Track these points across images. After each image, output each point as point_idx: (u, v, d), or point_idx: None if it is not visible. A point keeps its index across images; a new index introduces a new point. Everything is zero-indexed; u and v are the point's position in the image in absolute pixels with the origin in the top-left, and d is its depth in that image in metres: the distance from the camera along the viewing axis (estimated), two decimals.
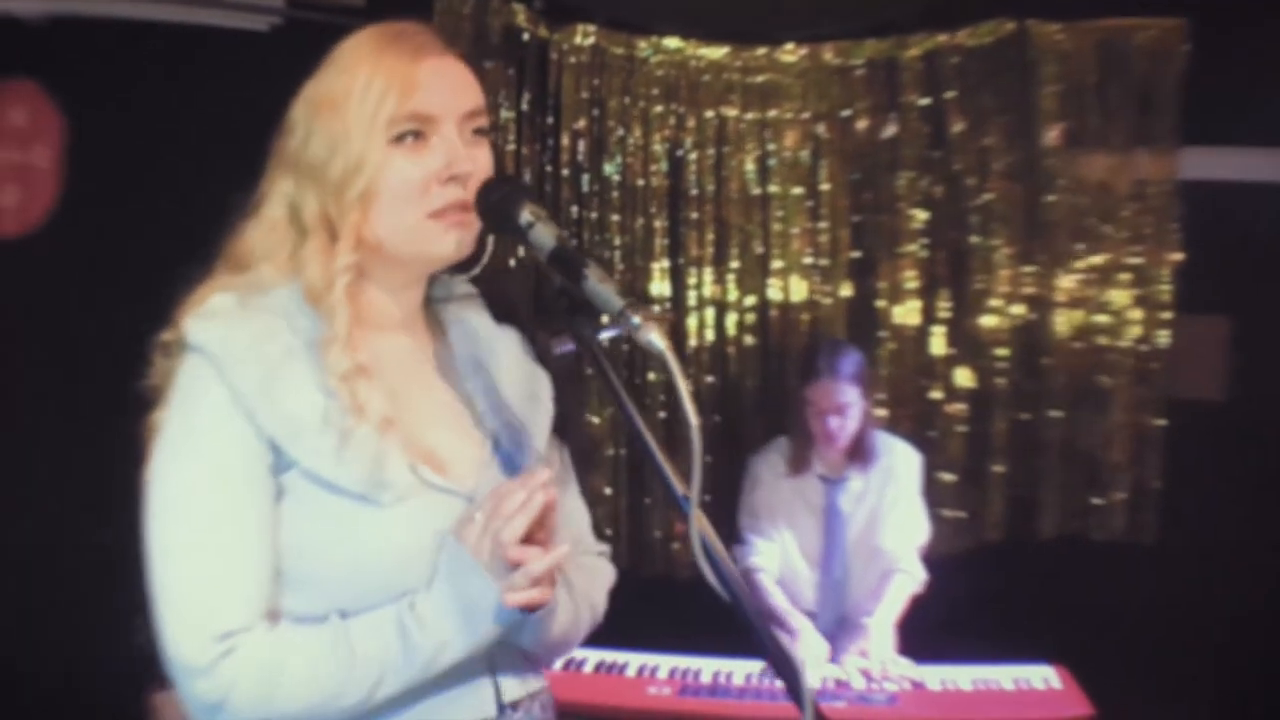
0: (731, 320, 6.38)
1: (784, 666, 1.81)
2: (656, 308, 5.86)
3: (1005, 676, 4.51)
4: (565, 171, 6.33)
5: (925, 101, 6.13)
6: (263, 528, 1.91)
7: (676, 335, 6.30)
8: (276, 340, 1.93)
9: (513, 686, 2.05)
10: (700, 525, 1.78)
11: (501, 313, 2.24)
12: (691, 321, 6.35)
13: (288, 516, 1.92)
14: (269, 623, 1.91)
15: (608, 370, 1.89)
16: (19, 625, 5.14)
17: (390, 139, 1.95)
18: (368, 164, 1.94)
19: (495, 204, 1.98)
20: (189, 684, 1.88)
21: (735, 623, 1.81)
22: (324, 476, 1.90)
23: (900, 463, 5.07)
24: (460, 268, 2.13)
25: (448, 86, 2.00)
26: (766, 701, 4.33)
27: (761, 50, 6.22)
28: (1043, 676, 4.51)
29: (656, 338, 1.79)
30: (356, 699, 1.90)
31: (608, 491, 6.39)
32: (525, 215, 1.94)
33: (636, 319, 1.80)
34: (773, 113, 6.26)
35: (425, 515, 1.95)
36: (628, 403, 1.89)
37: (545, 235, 1.93)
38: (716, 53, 6.24)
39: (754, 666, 4.59)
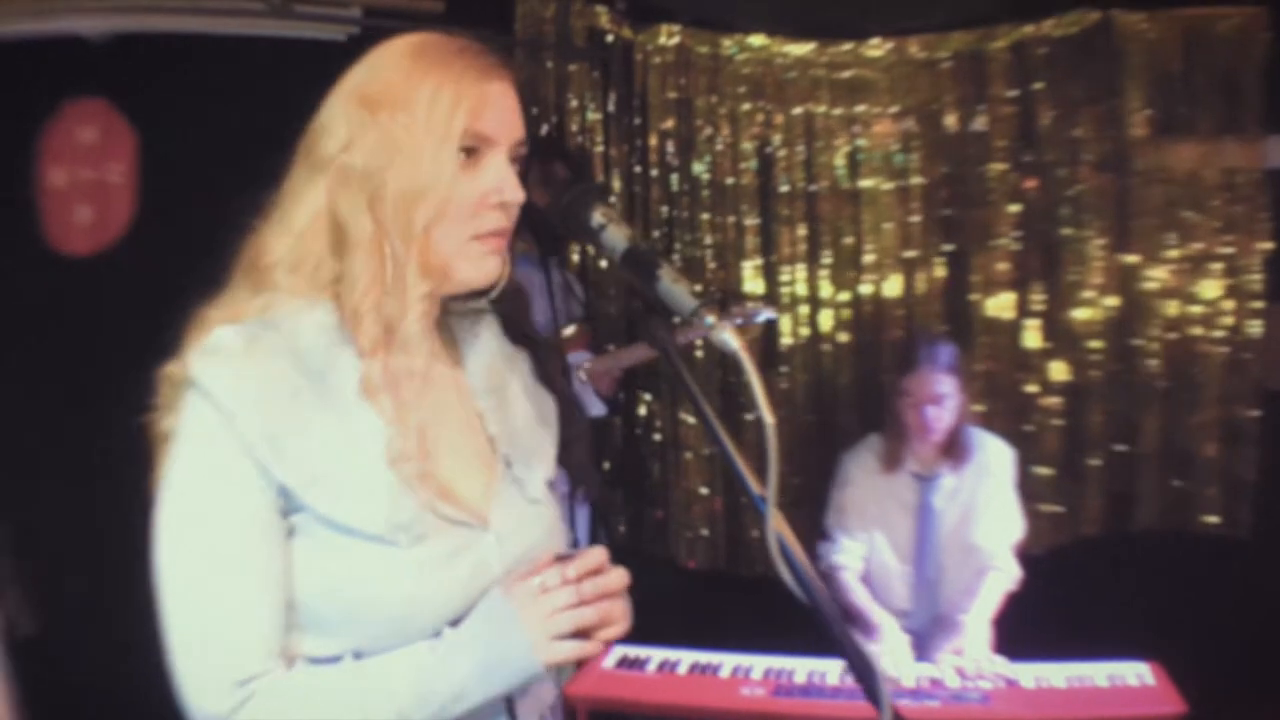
0: (825, 317, 6.39)
1: (860, 667, 1.83)
2: (750, 304, 5.84)
3: (1099, 674, 4.47)
4: (654, 172, 6.38)
5: (1013, 93, 6.11)
6: (275, 569, 1.83)
7: (770, 332, 6.35)
8: (284, 383, 1.84)
9: (528, 712, 1.99)
10: (777, 525, 1.79)
11: (512, 332, 2.18)
12: (785, 319, 6.35)
13: (301, 558, 1.86)
14: (284, 664, 1.85)
15: (683, 372, 1.90)
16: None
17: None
18: (440, 182, 1.87)
19: (566, 206, 1.97)
20: None
21: (813, 623, 1.81)
22: (338, 521, 1.83)
23: (994, 459, 5.04)
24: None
25: (509, 111, 1.95)
26: (861, 701, 4.31)
27: (847, 46, 6.23)
28: (1136, 673, 4.46)
29: (730, 337, 1.81)
30: None
31: (704, 491, 6.42)
32: (597, 217, 1.94)
33: (710, 319, 1.82)
34: (860, 108, 6.27)
35: (441, 552, 1.88)
36: (703, 404, 1.91)
37: (617, 237, 1.93)
38: (802, 49, 6.26)
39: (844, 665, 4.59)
